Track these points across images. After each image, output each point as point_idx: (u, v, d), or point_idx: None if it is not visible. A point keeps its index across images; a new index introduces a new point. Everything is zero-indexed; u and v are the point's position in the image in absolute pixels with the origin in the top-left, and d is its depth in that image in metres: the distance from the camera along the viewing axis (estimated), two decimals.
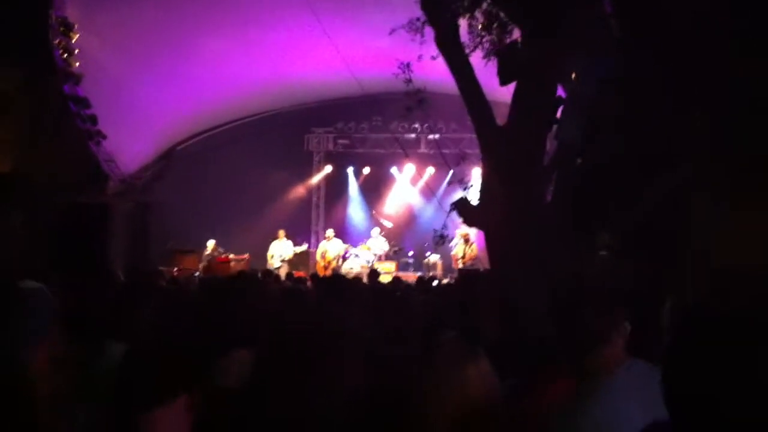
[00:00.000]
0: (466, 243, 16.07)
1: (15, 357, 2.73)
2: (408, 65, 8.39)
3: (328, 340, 1.67)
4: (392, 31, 9.40)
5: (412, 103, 8.61)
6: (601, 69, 6.73)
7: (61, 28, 13.22)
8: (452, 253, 16.71)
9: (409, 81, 8.41)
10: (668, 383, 1.49)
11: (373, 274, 12.47)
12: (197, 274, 16.25)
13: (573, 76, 7.32)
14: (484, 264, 14.38)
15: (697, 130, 6.06)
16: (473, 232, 14.96)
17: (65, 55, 13.50)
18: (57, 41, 13.26)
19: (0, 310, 2.57)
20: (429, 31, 8.57)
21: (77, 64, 13.78)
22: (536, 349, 2.91)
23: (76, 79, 13.86)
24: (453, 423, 2.00)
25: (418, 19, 8.93)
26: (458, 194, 8.19)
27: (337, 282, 8.54)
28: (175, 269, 16.29)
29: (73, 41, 13.52)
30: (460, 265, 15.83)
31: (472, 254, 15.94)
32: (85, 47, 13.76)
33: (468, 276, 12.30)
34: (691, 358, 1.45)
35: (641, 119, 6.35)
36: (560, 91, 7.79)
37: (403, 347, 3.47)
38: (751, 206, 5.93)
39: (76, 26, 13.39)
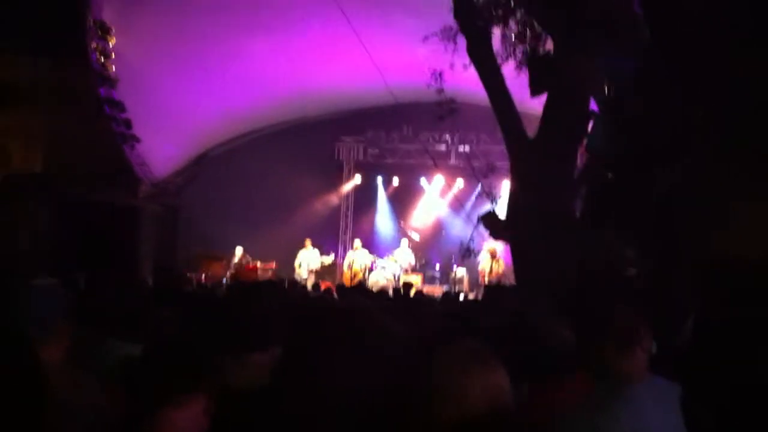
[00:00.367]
0: (492, 258, 15.94)
1: (25, 352, 2.74)
2: (440, 74, 8.33)
3: (350, 335, 1.62)
4: (425, 38, 9.36)
5: (443, 112, 8.55)
6: (629, 68, 6.62)
7: (99, 32, 13.41)
8: (479, 268, 16.58)
9: (441, 90, 8.36)
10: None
11: (406, 287, 12.40)
12: (225, 280, 16.31)
13: (606, 88, 7.23)
14: (511, 281, 14.25)
15: (702, 124, 5.95)
16: (500, 248, 14.83)
17: (102, 59, 13.69)
18: (94, 45, 13.45)
19: (9, 305, 2.58)
20: (462, 40, 8.51)
21: (113, 68, 13.96)
22: (553, 355, 2.84)
23: (111, 82, 14.05)
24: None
25: (451, 27, 8.89)
26: (486, 207, 8.11)
27: (361, 292, 8.52)
28: (203, 275, 16.37)
29: (110, 45, 13.70)
30: (486, 281, 15.70)
31: (499, 270, 15.80)
32: (120, 51, 13.93)
33: (494, 291, 12.20)
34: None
35: (652, 116, 6.24)
36: (592, 105, 7.70)
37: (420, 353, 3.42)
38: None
39: (113, 30, 13.58)
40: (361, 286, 13.20)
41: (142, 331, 3.60)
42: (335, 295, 9.12)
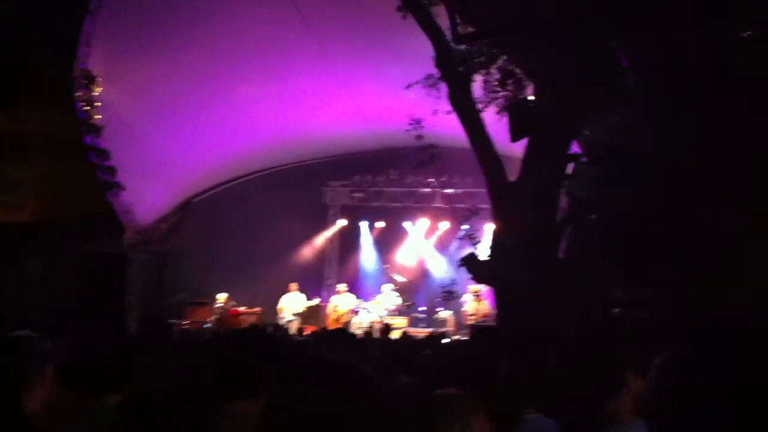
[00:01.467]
0: (476, 299, 15.99)
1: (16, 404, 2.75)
2: (418, 122, 8.46)
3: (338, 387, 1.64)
4: (408, 86, 9.52)
5: (425, 157, 8.65)
6: (618, 118, 6.78)
7: (84, 81, 13.48)
8: (463, 309, 16.61)
9: (420, 137, 8.48)
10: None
11: (386, 329, 12.41)
12: (208, 326, 16.22)
13: (587, 131, 7.37)
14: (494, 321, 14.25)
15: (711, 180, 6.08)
16: (484, 289, 14.86)
17: (87, 107, 13.74)
18: (80, 93, 13.51)
19: None
20: (445, 86, 8.65)
21: (98, 116, 14.01)
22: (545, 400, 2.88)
23: (96, 130, 14.08)
24: None
25: (433, 75, 9.04)
26: (468, 250, 8.16)
27: (341, 334, 8.52)
28: (186, 322, 16.26)
29: (96, 94, 13.77)
30: (471, 322, 15.70)
31: (483, 311, 15.83)
32: (106, 99, 14.00)
33: (480, 331, 12.23)
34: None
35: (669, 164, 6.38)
36: (573, 148, 7.82)
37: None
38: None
39: (98, 79, 13.66)
40: (341, 332, 13.20)
41: (129, 383, 3.59)
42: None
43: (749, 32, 6.28)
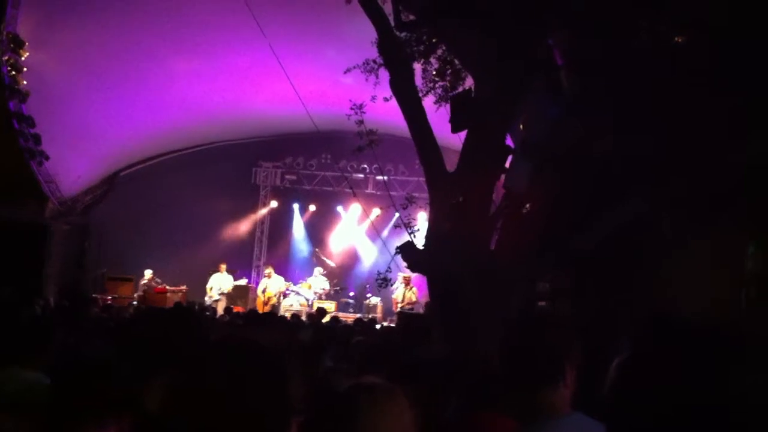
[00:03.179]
0: (406, 286, 16.13)
1: None
2: (360, 106, 8.42)
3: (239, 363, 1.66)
4: (347, 71, 9.48)
5: (363, 143, 8.63)
6: (553, 110, 6.89)
7: (11, 45, 12.98)
8: (393, 296, 16.74)
9: (360, 122, 8.44)
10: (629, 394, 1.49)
11: (320, 312, 12.40)
12: (135, 303, 15.93)
13: (521, 124, 7.47)
14: (422, 308, 14.41)
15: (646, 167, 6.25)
16: (414, 276, 14.98)
17: (13, 72, 13.24)
18: (6, 57, 13.01)
19: None
20: (384, 73, 8.64)
21: (25, 82, 13.52)
22: (480, 387, 2.91)
23: (22, 96, 13.60)
24: None
25: (373, 61, 9.01)
26: (403, 238, 8.19)
27: (262, 316, 8.50)
28: (110, 297, 15.92)
29: (23, 58, 13.28)
30: (399, 308, 15.85)
31: (412, 298, 15.99)
32: (35, 65, 13.52)
33: (407, 318, 12.34)
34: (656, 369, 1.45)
35: (595, 156, 6.52)
36: (509, 141, 7.91)
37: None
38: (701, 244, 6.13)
39: (26, 44, 13.17)
40: (259, 312, 13.22)
41: (44, 357, 3.50)
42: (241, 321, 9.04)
43: (684, 31, 6.47)
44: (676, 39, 6.63)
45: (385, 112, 8.91)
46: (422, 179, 8.61)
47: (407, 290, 16.17)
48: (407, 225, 8.33)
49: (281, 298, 17.57)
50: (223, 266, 17.72)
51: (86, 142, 16.04)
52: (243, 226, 20.90)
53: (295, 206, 21.18)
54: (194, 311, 11.60)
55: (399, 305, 16.17)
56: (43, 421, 2.36)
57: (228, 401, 1.54)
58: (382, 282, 8.58)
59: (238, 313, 12.63)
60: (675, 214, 6.51)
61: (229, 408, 1.54)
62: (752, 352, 1.52)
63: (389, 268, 8.59)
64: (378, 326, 11.86)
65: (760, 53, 5.79)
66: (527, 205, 7.33)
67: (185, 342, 3.49)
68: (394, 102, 8.15)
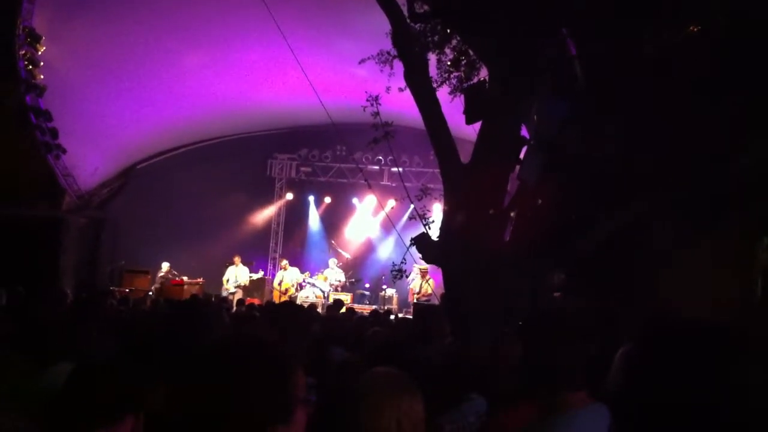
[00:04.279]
0: (423, 278, 16.12)
1: None
2: (376, 98, 8.38)
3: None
4: (362, 61, 9.45)
5: (379, 135, 8.60)
6: (561, 109, 6.85)
7: (28, 39, 13.05)
8: (409, 287, 16.73)
9: (376, 114, 8.41)
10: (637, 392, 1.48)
11: (337, 304, 12.42)
12: (150, 293, 16.03)
13: (534, 117, 7.42)
14: (438, 300, 14.39)
15: (648, 170, 6.22)
16: (431, 267, 14.95)
17: (30, 67, 13.32)
18: (23, 52, 13.08)
19: None
20: (398, 64, 8.61)
21: (41, 76, 13.60)
22: (503, 379, 2.92)
23: (39, 90, 13.68)
24: None
25: (388, 52, 8.99)
26: (419, 229, 8.17)
27: (277, 308, 8.48)
28: (127, 289, 16.03)
29: (39, 53, 13.35)
30: (415, 300, 15.84)
31: (428, 290, 15.96)
32: (51, 59, 13.58)
33: (423, 309, 12.32)
34: (662, 367, 1.44)
35: (599, 157, 6.48)
36: (524, 132, 7.87)
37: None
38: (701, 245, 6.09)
39: (43, 38, 13.23)
40: (276, 303, 13.25)
41: (70, 351, 3.51)
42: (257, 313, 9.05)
43: (689, 30, 6.41)
44: (676, 40, 6.58)
45: (400, 103, 8.88)
46: (437, 170, 8.57)
47: (424, 282, 16.16)
48: (422, 216, 8.30)
49: (297, 289, 17.63)
50: (238, 259, 17.77)
51: (102, 135, 16.12)
52: (259, 219, 20.97)
53: (311, 198, 21.21)
54: (210, 304, 11.65)
55: (415, 296, 16.17)
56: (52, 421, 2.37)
57: (228, 399, 1.55)
58: (397, 273, 8.56)
59: (252, 304, 12.68)
60: (677, 215, 6.47)
61: (229, 406, 1.54)
62: (755, 350, 1.50)
63: (404, 259, 8.56)
64: (393, 317, 11.85)
65: (760, 54, 5.74)
66: (539, 200, 7.30)
67: (192, 341, 3.51)
68: (408, 93, 8.12)
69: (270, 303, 13.86)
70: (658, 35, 6.51)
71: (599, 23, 6.77)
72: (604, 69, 6.76)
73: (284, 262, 18.38)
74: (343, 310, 12.02)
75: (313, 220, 21.29)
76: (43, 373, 3.06)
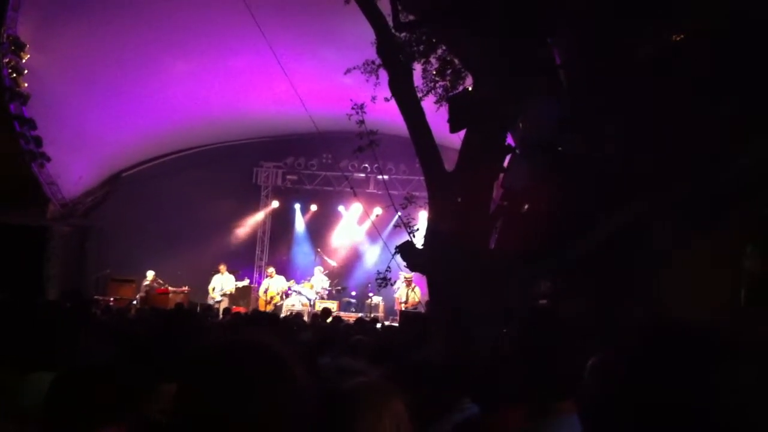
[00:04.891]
0: (408, 286, 16.14)
1: None
2: (361, 106, 8.41)
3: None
4: (347, 71, 9.49)
5: (364, 143, 8.62)
6: (552, 113, 6.91)
7: (12, 47, 13.01)
8: (395, 295, 16.74)
9: (361, 122, 8.43)
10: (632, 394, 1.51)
11: (325, 312, 12.43)
12: (134, 302, 15.96)
13: (521, 124, 7.47)
14: (423, 308, 14.42)
15: (648, 170, 6.28)
16: (415, 276, 14.97)
17: (14, 75, 13.27)
18: (7, 60, 13.04)
19: None
20: (383, 73, 8.64)
21: (26, 84, 13.55)
22: (494, 386, 2.94)
23: (23, 98, 13.63)
24: None
25: (373, 62, 9.03)
26: (404, 237, 8.19)
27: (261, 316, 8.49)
28: (112, 298, 15.95)
29: (24, 61, 13.30)
30: (402, 308, 15.86)
31: (415, 298, 15.99)
32: (35, 67, 13.54)
33: (410, 317, 12.35)
34: (657, 370, 1.47)
35: (599, 158, 6.54)
36: (509, 140, 7.92)
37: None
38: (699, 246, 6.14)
39: (27, 46, 13.20)
40: (260, 311, 13.23)
41: (54, 360, 3.50)
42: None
43: (689, 30, 6.48)
44: (676, 41, 6.65)
45: (386, 112, 8.92)
46: (423, 178, 8.62)
47: (409, 290, 16.19)
48: (407, 225, 8.33)
49: (283, 297, 17.59)
50: (223, 267, 17.70)
51: (87, 143, 16.06)
52: (245, 227, 20.93)
53: (297, 206, 21.20)
54: (196, 313, 11.63)
55: (403, 305, 16.18)
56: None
57: (234, 404, 1.55)
58: (382, 282, 8.58)
59: (238, 313, 12.66)
60: (675, 216, 6.52)
61: (235, 411, 1.54)
62: (745, 353, 1.53)
63: (389, 267, 8.58)
64: (379, 325, 11.87)
65: (760, 54, 5.81)
66: (526, 206, 7.34)
67: (188, 345, 3.51)
68: (394, 102, 8.16)
69: (255, 311, 13.85)
70: (658, 35, 6.58)
71: (599, 23, 6.82)
72: (603, 69, 6.80)
73: (270, 269, 18.35)
74: (330, 319, 12.04)
75: (300, 227, 21.28)
76: (23, 382, 3.06)
